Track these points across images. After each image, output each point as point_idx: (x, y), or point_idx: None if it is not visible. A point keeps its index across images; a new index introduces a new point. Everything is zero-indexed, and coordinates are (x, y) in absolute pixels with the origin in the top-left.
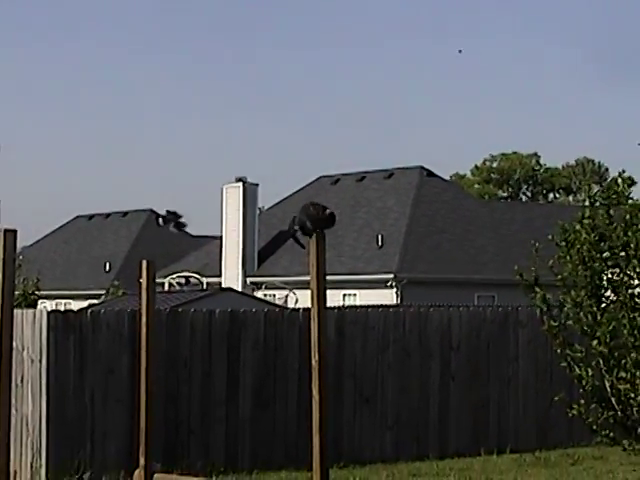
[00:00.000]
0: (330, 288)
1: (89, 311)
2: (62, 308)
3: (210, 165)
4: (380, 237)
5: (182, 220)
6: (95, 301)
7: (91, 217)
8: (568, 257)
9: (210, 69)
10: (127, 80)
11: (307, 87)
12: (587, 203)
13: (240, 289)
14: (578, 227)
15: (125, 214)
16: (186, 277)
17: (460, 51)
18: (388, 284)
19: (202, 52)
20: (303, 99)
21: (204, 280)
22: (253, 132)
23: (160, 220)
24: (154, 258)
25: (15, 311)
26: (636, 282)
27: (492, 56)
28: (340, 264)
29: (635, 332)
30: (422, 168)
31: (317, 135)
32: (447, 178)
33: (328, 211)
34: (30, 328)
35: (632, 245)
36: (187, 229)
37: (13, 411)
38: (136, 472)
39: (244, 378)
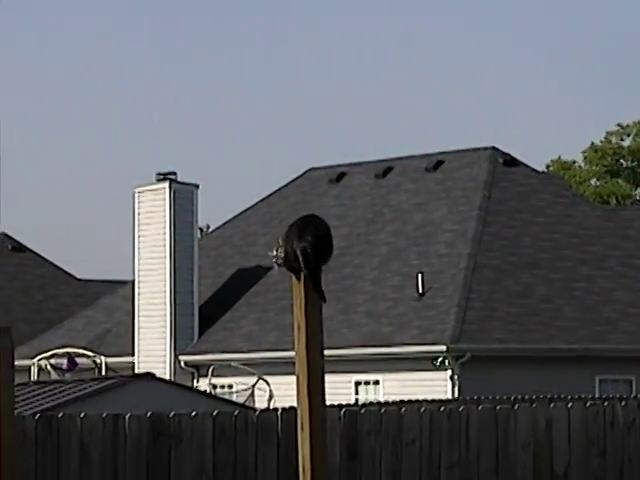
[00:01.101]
0: (333, 371)
1: None
2: None
3: (118, 163)
4: (421, 278)
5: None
6: None
7: None
8: None
9: None
10: None
11: None
12: None
13: (168, 375)
14: None
15: None
16: (70, 355)
17: None
18: (437, 362)
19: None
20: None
21: (102, 360)
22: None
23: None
24: (11, 319)
25: None
26: None
27: None
28: (350, 329)
29: None
30: (495, 150)
31: (302, 111)
32: (541, 168)
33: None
34: None
35: None
36: (68, 268)
37: None
38: None
39: None
